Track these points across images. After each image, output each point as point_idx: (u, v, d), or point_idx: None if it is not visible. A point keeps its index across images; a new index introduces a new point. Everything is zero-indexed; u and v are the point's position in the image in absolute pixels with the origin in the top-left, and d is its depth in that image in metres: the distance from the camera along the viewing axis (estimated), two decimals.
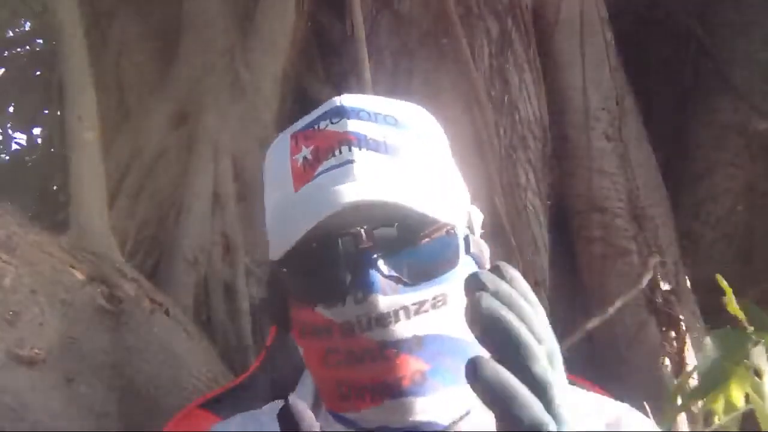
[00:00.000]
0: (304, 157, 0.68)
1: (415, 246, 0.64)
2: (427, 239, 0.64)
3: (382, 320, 0.61)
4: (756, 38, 2.32)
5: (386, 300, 0.62)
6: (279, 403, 0.74)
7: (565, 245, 2.13)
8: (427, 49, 1.89)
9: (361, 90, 1.80)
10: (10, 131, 3.72)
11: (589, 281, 2.10)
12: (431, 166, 0.70)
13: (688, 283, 2.01)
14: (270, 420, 0.74)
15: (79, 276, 1.33)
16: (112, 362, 1.31)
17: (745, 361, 1.12)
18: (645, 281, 1.90)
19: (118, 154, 1.96)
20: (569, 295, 2.10)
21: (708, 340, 1.17)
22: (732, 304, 1.15)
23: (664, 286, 1.95)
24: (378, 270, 0.62)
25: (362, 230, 0.62)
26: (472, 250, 0.69)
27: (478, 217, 0.73)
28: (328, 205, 0.62)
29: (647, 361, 1.91)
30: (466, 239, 0.68)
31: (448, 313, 0.64)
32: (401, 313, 0.62)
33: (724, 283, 1.18)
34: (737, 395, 1.13)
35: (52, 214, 3.05)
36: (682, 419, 1.62)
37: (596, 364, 1.92)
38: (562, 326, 1.86)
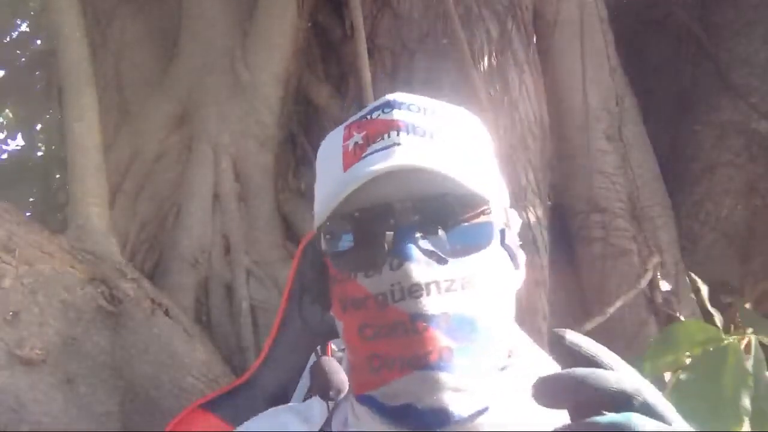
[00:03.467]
0: (355, 142, 0.72)
1: (452, 224, 0.68)
2: (464, 219, 0.68)
3: (414, 291, 0.64)
4: (756, 38, 2.32)
5: (419, 271, 0.65)
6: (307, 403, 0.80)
7: (565, 245, 2.13)
8: (427, 49, 1.89)
9: (360, 90, 1.80)
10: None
11: (589, 281, 2.10)
12: (475, 156, 0.73)
13: (689, 283, 2.00)
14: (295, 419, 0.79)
15: (79, 276, 1.33)
16: (112, 362, 1.31)
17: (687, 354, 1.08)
18: (645, 281, 1.91)
19: (118, 154, 1.96)
20: (569, 295, 2.10)
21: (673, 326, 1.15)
22: (705, 302, 1.14)
23: (664, 286, 1.95)
24: (414, 241, 0.66)
25: (403, 202, 0.67)
26: (507, 242, 0.72)
27: (515, 220, 0.77)
28: (371, 172, 0.66)
29: None
30: (502, 232, 0.72)
31: (475, 296, 0.67)
32: (432, 287, 0.65)
33: (698, 282, 1.17)
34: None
35: (52, 214, 3.06)
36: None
37: None
38: (562, 326, 1.86)
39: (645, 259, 1.98)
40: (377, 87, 1.81)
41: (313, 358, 0.87)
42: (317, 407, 0.78)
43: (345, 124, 0.77)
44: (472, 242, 0.69)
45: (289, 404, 0.81)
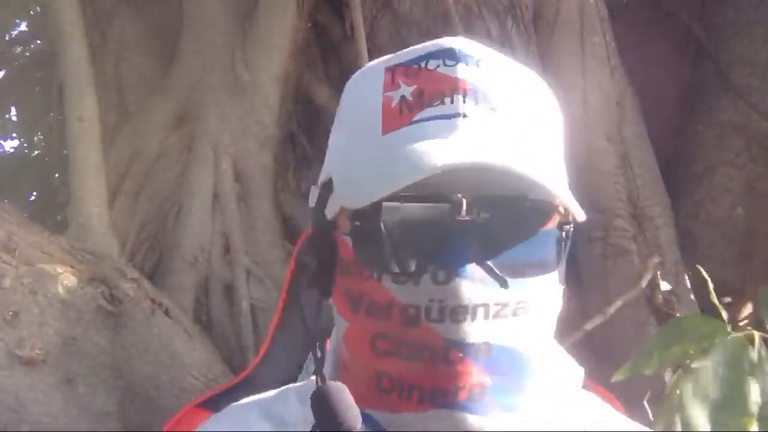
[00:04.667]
0: (402, 96, 0.55)
1: (523, 237, 0.54)
2: (535, 231, 0.54)
3: (458, 313, 0.51)
4: (756, 38, 2.32)
5: (471, 290, 0.51)
6: (267, 396, 0.68)
7: None
8: None
9: None
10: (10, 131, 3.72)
11: (589, 281, 2.09)
12: (551, 145, 0.60)
13: (688, 283, 2.00)
14: (257, 416, 0.65)
15: (79, 276, 1.33)
16: (112, 362, 1.31)
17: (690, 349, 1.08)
18: (645, 281, 1.90)
19: (118, 154, 1.96)
20: (569, 295, 2.10)
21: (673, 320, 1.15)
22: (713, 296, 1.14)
23: (664, 286, 1.95)
24: (471, 251, 0.52)
25: (464, 198, 0.51)
26: (562, 254, 0.58)
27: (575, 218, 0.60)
28: (434, 167, 0.49)
29: None
30: (563, 242, 0.57)
31: (526, 325, 0.55)
32: (480, 311, 0.52)
33: (704, 274, 1.17)
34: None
35: (52, 214, 3.06)
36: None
37: (596, 364, 1.91)
38: (562, 326, 1.86)
39: (645, 259, 1.98)
40: None
41: (312, 361, 0.70)
42: (295, 404, 0.64)
43: (387, 65, 0.59)
44: (538, 261, 0.55)
45: (258, 398, 0.67)
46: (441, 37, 0.60)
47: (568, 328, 1.79)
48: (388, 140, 0.54)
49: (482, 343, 0.52)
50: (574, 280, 2.13)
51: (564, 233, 0.56)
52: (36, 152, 3.82)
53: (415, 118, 0.54)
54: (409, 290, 0.52)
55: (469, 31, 1.87)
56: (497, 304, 0.53)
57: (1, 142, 3.75)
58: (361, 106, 0.59)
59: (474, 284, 0.51)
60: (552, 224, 0.56)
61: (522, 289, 0.54)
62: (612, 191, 2.08)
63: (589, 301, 2.07)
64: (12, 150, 3.82)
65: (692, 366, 1.01)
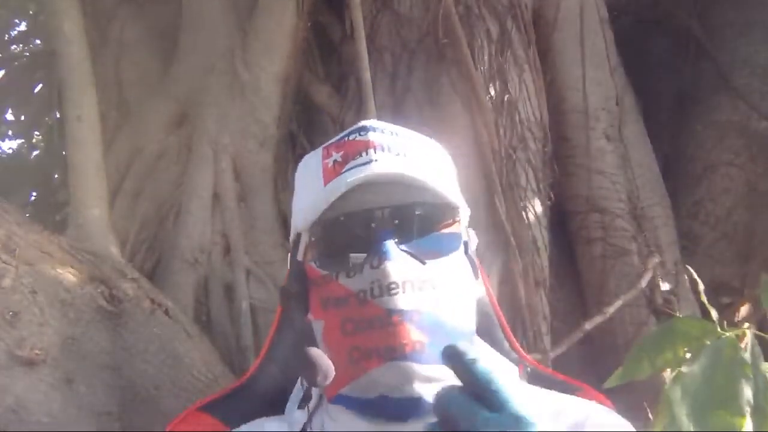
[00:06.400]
0: (335, 160, 0.80)
1: (426, 230, 0.77)
2: (437, 227, 0.78)
3: (392, 288, 0.72)
4: (756, 38, 2.32)
5: (397, 269, 0.73)
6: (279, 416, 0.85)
7: (565, 245, 2.13)
8: (427, 49, 1.89)
9: (360, 90, 1.80)
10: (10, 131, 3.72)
11: (589, 281, 2.10)
12: (444, 174, 0.83)
13: (688, 283, 2.00)
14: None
15: (79, 276, 1.33)
16: (112, 362, 1.31)
17: (683, 352, 1.07)
18: (645, 281, 1.90)
19: (118, 154, 1.96)
20: (569, 295, 2.10)
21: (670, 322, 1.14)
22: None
23: (664, 286, 1.95)
24: (394, 242, 0.74)
25: (382, 209, 0.75)
26: (470, 252, 0.82)
27: (473, 239, 0.86)
28: (354, 180, 0.75)
29: None
30: (466, 243, 0.82)
31: (444, 297, 0.75)
32: (407, 285, 0.73)
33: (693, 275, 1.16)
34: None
35: (52, 214, 3.06)
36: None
37: (596, 364, 1.92)
38: (562, 326, 1.86)
39: (645, 259, 1.98)
40: (377, 87, 1.81)
41: None
42: (297, 413, 0.82)
43: (323, 146, 0.86)
44: (442, 248, 0.78)
45: (273, 417, 0.87)
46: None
47: (568, 328, 1.79)
48: (327, 186, 0.79)
49: (414, 310, 0.72)
50: (575, 280, 2.13)
51: (466, 235, 0.82)
52: (36, 152, 3.82)
53: (343, 170, 0.78)
54: (357, 280, 0.74)
55: (469, 31, 1.88)
56: (420, 280, 0.74)
57: (8, 139, 3.74)
58: (309, 174, 0.84)
59: (398, 264, 0.73)
60: (453, 229, 0.80)
61: (435, 269, 0.75)
62: (612, 191, 2.09)
63: (589, 301, 2.07)
64: (11, 150, 3.82)
65: (681, 369, 1.01)
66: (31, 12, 3.55)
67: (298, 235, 0.84)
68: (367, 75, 1.77)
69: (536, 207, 1.86)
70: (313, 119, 2.11)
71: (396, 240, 0.74)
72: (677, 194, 2.22)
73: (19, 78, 3.38)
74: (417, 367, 0.70)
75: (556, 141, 2.08)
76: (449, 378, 0.63)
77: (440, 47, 1.86)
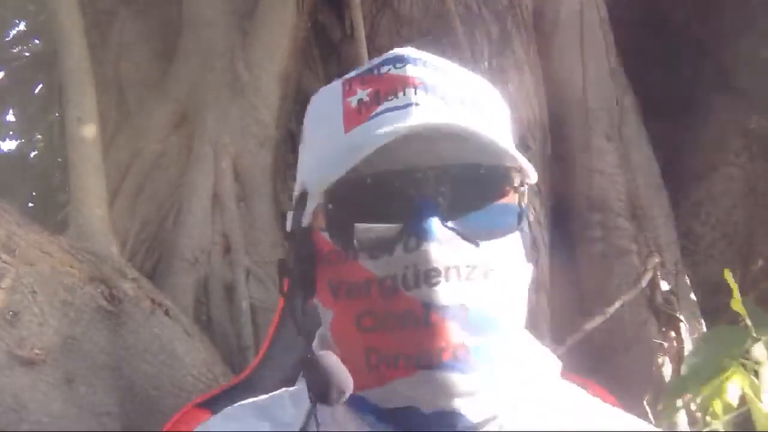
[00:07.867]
0: (360, 99, 0.60)
1: (484, 201, 0.58)
2: (495, 196, 0.59)
3: (432, 277, 0.54)
4: (756, 38, 2.32)
5: (441, 253, 0.54)
6: (262, 398, 0.70)
7: (565, 245, 2.12)
8: (427, 49, 1.88)
9: None
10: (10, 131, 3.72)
11: (589, 281, 2.09)
12: (501, 127, 0.64)
13: (688, 283, 2.00)
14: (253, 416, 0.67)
15: (79, 276, 1.33)
16: (112, 362, 1.31)
17: (742, 360, 1.10)
18: (645, 281, 1.90)
19: (118, 154, 1.96)
20: (569, 295, 2.10)
21: (704, 335, 1.16)
22: (737, 301, 1.14)
23: (664, 286, 1.95)
24: (439, 217, 0.55)
25: (427, 171, 0.55)
26: (525, 229, 0.62)
27: (530, 211, 0.66)
28: (393, 132, 0.54)
29: (647, 361, 1.90)
30: (522, 216, 0.61)
31: (494, 288, 0.57)
32: (452, 273, 0.55)
33: (731, 280, 1.16)
34: (732, 393, 1.12)
35: (52, 214, 3.05)
36: (682, 420, 1.61)
37: (596, 363, 1.92)
38: (562, 326, 1.86)
39: (645, 259, 1.98)
40: None
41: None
42: (289, 407, 0.66)
43: (343, 79, 0.64)
44: (500, 224, 0.59)
45: (255, 400, 0.69)
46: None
47: (568, 328, 1.79)
48: (350, 135, 0.59)
49: (459, 305, 0.55)
50: (574, 280, 2.13)
51: (521, 206, 0.61)
52: (36, 153, 3.82)
53: (372, 113, 0.58)
54: (384, 263, 0.55)
55: (469, 31, 1.88)
56: (468, 266, 0.55)
57: (8, 140, 3.75)
58: (323, 117, 0.63)
59: (443, 247, 0.54)
60: (510, 199, 0.60)
61: (488, 252, 0.57)
62: (612, 191, 2.08)
63: (589, 301, 2.07)
64: (11, 150, 3.82)
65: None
66: (31, 12, 3.55)
67: (305, 194, 0.62)
68: None
69: (536, 207, 1.86)
70: None
71: (441, 213, 0.55)
72: (677, 194, 2.22)
73: (19, 78, 3.38)
74: (457, 379, 0.54)
75: (556, 141, 2.08)
76: (493, 391, 0.56)
77: (440, 47, 1.86)
